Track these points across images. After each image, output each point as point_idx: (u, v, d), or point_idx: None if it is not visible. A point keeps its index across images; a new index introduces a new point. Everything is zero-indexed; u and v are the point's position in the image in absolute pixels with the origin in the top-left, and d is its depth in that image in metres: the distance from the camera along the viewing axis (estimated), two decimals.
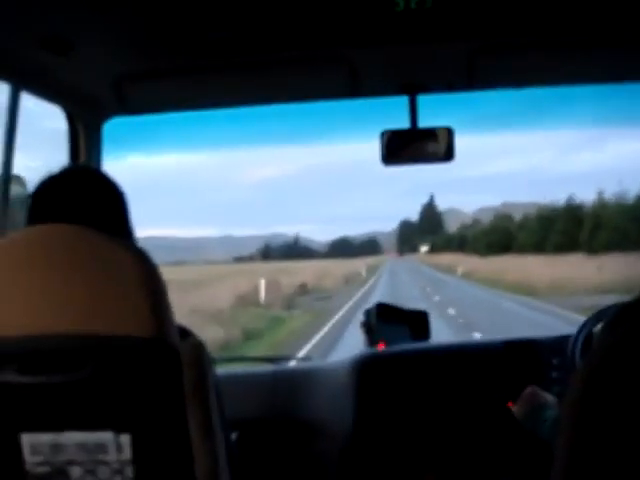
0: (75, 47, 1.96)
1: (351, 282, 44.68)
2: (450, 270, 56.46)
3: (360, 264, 72.51)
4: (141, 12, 1.88)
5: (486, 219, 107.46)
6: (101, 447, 1.23)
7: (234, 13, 1.93)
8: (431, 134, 2.36)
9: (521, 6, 1.94)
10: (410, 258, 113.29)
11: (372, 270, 64.58)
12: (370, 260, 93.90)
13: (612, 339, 0.92)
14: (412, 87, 2.38)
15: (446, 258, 79.93)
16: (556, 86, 2.57)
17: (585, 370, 0.91)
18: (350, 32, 2.05)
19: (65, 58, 2.00)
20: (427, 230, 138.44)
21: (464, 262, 59.96)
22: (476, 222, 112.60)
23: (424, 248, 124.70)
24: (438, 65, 2.30)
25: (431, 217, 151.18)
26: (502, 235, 75.01)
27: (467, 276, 46.82)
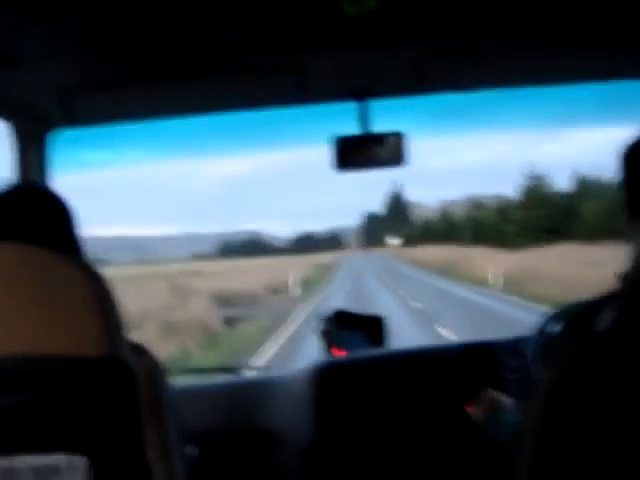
0: (19, 61, 1.97)
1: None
2: (459, 275, 38.87)
3: (303, 263, 58.53)
4: (86, 24, 1.88)
5: (453, 211, 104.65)
6: (54, 470, 1.23)
7: (181, 22, 1.94)
8: (382, 139, 2.40)
9: (468, 10, 1.98)
10: (378, 254, 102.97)
11: (321, 274, 51.87)
12: (323, 258, 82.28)
13: (571, 350, 0.93)
14: (362, 92, 2.42)
15: (435, 252, 64.08)
16: (507, 88, 2.62)
17: (546, 383, 0.93)
18: (298, 38, 2.08)
19: (9, 72, 2.01)
20: (394, 223, 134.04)
21: (483, 258, 42.17)
22: (445, 214, 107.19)
23: (395, 241, 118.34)
24: (387, 70, 2.34)
25: (398, 209, 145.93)
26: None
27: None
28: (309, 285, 38.91)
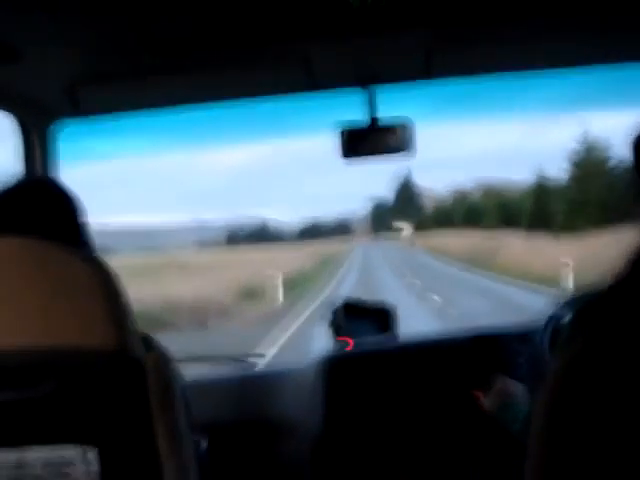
0: (23, 53, 1.98)
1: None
2: (498, 268, 31.67)
3: (305, 253, 50.14)
4: (90, 15, 1.89)
5: (468, 196, 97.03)
6: (65, 462, 1.25)
7: (185, 11, 1.95)
8: (390, 128, 2.41)
9: None
10: (390, 242, 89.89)
11: (322, 267, 42.33)
12: (328, 247, 67.79)
13: (581, 338, 0.93)
14: (369, 80, 2.43)
15: (456, 240, 54.91)
16: (515, 73, 2.62)
17: (555, 370, 0.93)
18: (305, 26, 2.08)
19: (13, 64, 2.02)
20: (404, 209, 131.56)
21: (526, 246, 35.92)
22: (462, 198, 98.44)
23: (406, 227, 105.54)
24: (394, 57, 2.35)
25: (407, 195, 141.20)
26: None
27: None
28: (302, 284, 30.50)
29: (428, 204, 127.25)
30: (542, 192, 55.72)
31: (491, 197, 78.54)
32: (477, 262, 36.58)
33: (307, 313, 19.55)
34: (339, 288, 27.94)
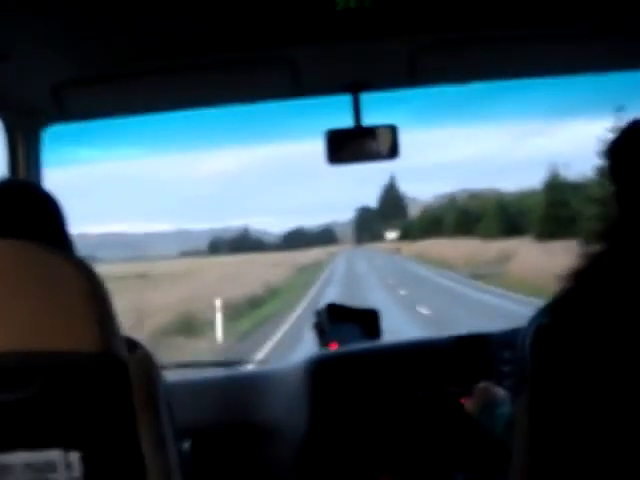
0: (10, 55, 1.99)
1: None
2: (516, 281, 25.30)
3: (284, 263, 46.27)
4: (77, 18, 1.91)
5: (460, 202, 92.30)
6: (50, 466, 1.25)
7: (172, 15, 1.97)
8: (375, 132, 2.43)
9: (460, 2, 2.02)
10: (376, 249, 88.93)
11: (299, 281, 37.04)
12: (309, 256, 64.54)
13: (549, 345, 0.99)
14: (355, 85, 2.45)
15: (449, 248, 50.32)
16: (499, 80, 2.66)
17: (531, 377, 0.97)
18: (290, 31, 2.10)
19: (0, 67, 2.03)
20: (390, 216, 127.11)
21: (543, 254, 27.33)
22: (453, 204, 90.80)
23: (393, 235, 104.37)
24: (380, 63, 2.37)
25: (393, 202, 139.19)
26: None
27: None
28: (269, 301, 26.54)
29: (414, 211, 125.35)
30: (558, 192, 47.38)
31: (487, 201, 72.92)
32: (480, 274, 31.35)
33: (259, 356, 13.20)
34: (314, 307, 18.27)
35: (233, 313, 21.33)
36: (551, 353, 0.98)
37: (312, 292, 29.57)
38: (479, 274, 31.44)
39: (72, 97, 2.38)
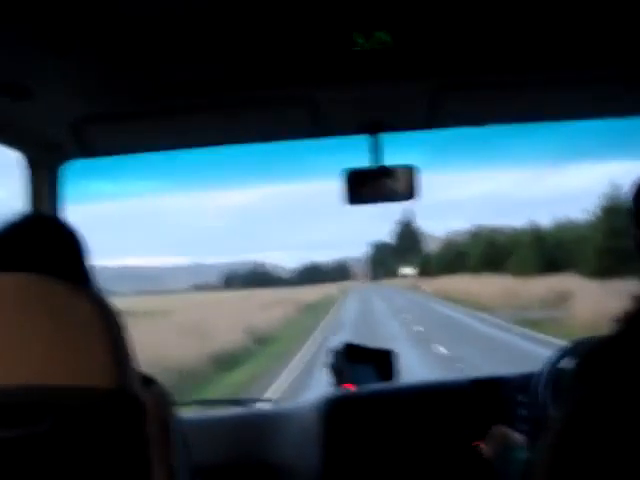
0: (33, 92, 2.03)
1: None
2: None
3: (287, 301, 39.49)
4: (98, 56, 1.95)
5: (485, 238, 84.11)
6: None
7: (190, 54, 2.01)
8: (393, 173, 2.44)
9: (481, 45, 2.05)
10: (394, 286, 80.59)
11: (300, 326, 30.11)
12: (315, 293, 57.30)
13: (584, 389, 0.94)
14: (374, 126, 2.47)
15: (477, 286, 43.72)
16: (516, 123, 2.68)
17: (559, 421, 0.94)
18: (310, 71, 2.12)
19: (23, 103, 2.07)
20: (406, 252, 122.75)
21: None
22: (481, 238, 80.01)
23: (410, 271, 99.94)
24: (400, 104, 2.40)
25: (409, 237, 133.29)
26: None
27: None
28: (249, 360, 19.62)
29: (432, 247, 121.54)
30: (618, 219, 38.51)
31: (521, 233, 65.27)
32: (530, 319, 25.20)
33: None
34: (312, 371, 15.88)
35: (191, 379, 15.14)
36: (581, 402, 0.95)
37: (311, 345, 22.50)
38: (528, 319, 25.03)
39: (91, 134, 2.42)
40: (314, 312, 38.54)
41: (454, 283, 52.21)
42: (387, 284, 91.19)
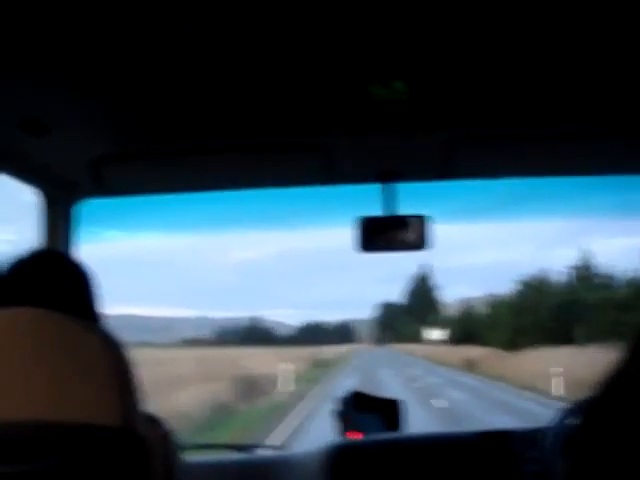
0: (52, 130, 2.14)
1: None
2: None
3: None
4: (118, 96, 2.07)
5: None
6: None
7: (212, 99, 2.12)
8: (406, 222, 2.56)
9: (497, 98, 2.16)
10: (411, 358, 61.95)
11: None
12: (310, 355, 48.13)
13: (587, 445, 0.98)
14: (388, 175, 2.59)
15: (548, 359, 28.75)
16: (534, 177, 2.83)
17: (565, 476, 1.00)
18: (325, 119, 2.26)
19: (42, 140, 2.18)
20: (420, 310, 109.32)
21: None
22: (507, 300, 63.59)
23: (434, 334, 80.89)
24: (414, 155, 2.53)
25: (425, 295, 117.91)
26: None
27: None
28: None
29: (453, 310, 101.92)
30: None
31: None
32: None
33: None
34: None
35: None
36: (586, 459, 0.99)
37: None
38: None
39: (108, 172, 2.54)
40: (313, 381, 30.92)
41: (527, 361, 36.41)
42: (402, 350, 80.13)
